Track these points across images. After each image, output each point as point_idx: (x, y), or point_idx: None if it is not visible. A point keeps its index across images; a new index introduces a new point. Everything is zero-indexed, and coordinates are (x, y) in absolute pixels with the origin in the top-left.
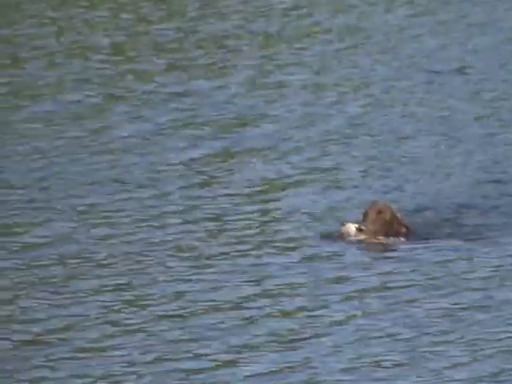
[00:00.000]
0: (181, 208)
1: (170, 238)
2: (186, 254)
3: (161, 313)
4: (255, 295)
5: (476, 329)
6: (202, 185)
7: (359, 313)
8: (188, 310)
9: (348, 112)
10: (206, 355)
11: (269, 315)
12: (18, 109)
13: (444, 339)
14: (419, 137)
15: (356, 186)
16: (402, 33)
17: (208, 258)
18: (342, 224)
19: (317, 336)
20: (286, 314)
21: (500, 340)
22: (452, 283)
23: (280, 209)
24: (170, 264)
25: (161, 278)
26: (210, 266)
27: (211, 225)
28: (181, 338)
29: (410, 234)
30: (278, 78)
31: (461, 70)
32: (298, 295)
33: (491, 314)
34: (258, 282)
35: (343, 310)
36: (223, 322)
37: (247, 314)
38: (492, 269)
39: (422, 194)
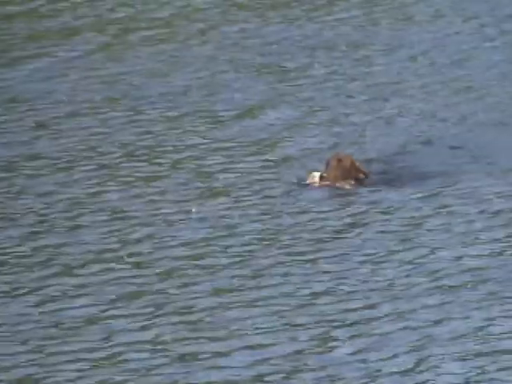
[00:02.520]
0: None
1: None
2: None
3: None
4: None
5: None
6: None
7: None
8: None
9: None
10: None
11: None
12: None
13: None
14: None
15: (325, 140)
16: None
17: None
18: (310, 172)
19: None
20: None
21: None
22: (400, 225)
23: (264, 158)
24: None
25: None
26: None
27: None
28: None
29: (368, 179)
30: None
31: None
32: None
33: (434, 251)
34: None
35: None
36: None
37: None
38: (433, 211)
39: (385, 146)
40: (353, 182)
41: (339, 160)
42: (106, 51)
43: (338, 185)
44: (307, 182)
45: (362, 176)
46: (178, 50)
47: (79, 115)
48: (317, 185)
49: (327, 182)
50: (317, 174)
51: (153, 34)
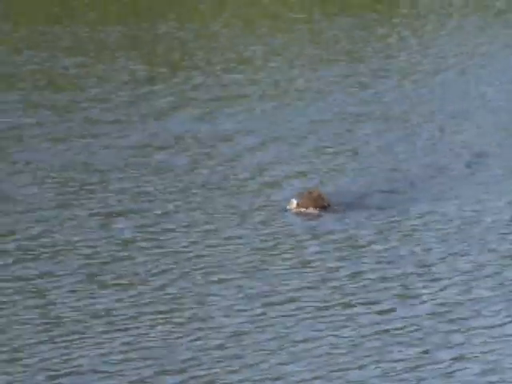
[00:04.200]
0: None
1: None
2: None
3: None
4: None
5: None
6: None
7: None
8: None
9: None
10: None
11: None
12: None
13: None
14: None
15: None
16: None
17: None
18: (290, 199)
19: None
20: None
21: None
22: (354, 241)
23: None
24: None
25: None
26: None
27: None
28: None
29: (331, 207)
30: None
31: None
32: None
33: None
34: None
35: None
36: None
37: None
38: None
39: (350, 183)
40: (319, 209)
41: (309, 192)
42: None
43: (308, 211)
44: (287, 207)
45: (326, 204)
46: None
47: None
48: (293, 210)
49: (301, 209)
50: (294, 202)
51: None
